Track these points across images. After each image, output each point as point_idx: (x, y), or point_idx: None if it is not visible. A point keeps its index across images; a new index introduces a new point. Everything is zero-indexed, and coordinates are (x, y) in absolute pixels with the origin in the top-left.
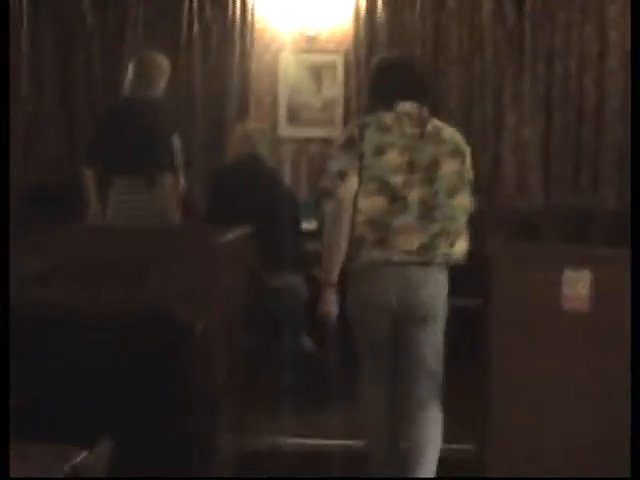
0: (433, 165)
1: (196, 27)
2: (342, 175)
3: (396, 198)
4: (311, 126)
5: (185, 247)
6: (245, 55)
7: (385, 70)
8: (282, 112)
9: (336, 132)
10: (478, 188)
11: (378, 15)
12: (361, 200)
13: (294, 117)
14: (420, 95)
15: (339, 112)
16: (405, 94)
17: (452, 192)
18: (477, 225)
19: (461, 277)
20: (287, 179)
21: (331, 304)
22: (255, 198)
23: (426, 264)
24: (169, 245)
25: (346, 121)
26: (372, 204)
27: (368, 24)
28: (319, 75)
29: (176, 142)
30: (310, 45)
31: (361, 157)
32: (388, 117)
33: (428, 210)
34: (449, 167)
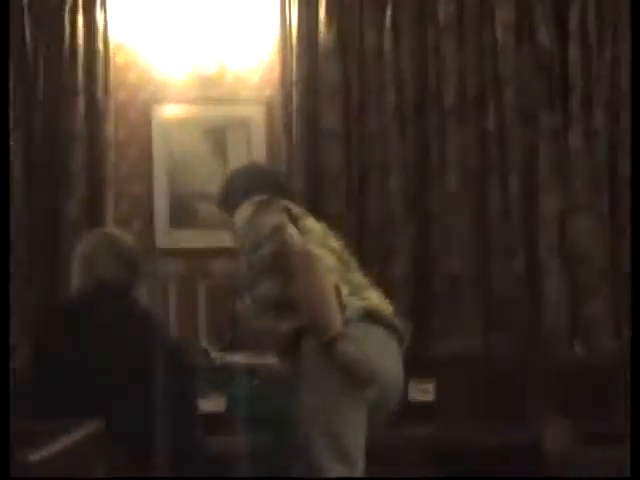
0: None
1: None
2: None
3: None
4: (211, 228)
5: None
6: (95, 112)
7: None
8: (161, 207)
9: None
10: None
11: (321, 32)
12: None
13: (182, 215)
14: None
15: None
16: None
17: None
18: None
19: None
20: (172, 323)
21: None
22: (113, 360)
23: None
24: None
25: None
26: None
27: (308, 52)
28: (223, 142)
29: None
30: (207, 92)
31: None
32: None
33: None
34: None
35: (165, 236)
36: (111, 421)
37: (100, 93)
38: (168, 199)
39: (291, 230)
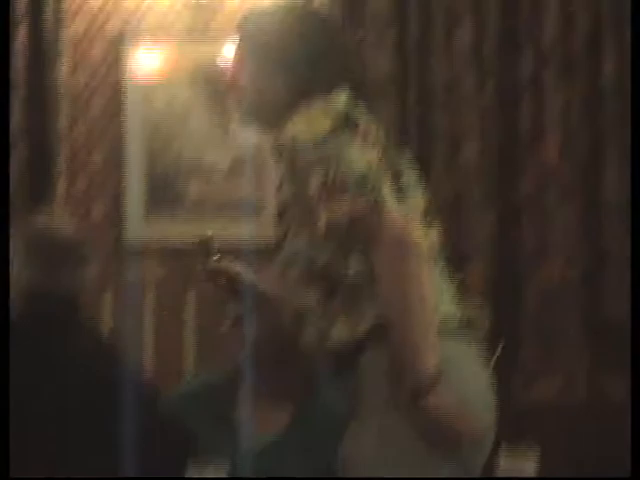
0: None
1: None
2: None
3: None
4: (204, 215)
5: None
6: (41, 48)
7: None
8: (134, 185)
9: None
10: None
11: None
12: None
13: (163, 197)
14: None
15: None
16: None
17: None
18: None
19: None
20: (147, 351)
21: None
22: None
23: None
24: None
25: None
26: None
27: None
28: (224, 95)
29: None
30: (201, 22)
31: None
32: None
33: None
34: None
35: (139, 226)
36: None
37: (49, 21)
38: (145, 174)
39: (389, 194)
